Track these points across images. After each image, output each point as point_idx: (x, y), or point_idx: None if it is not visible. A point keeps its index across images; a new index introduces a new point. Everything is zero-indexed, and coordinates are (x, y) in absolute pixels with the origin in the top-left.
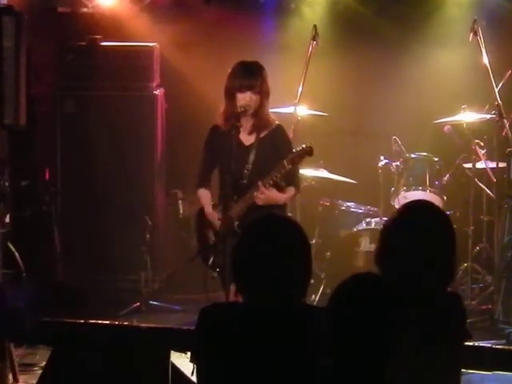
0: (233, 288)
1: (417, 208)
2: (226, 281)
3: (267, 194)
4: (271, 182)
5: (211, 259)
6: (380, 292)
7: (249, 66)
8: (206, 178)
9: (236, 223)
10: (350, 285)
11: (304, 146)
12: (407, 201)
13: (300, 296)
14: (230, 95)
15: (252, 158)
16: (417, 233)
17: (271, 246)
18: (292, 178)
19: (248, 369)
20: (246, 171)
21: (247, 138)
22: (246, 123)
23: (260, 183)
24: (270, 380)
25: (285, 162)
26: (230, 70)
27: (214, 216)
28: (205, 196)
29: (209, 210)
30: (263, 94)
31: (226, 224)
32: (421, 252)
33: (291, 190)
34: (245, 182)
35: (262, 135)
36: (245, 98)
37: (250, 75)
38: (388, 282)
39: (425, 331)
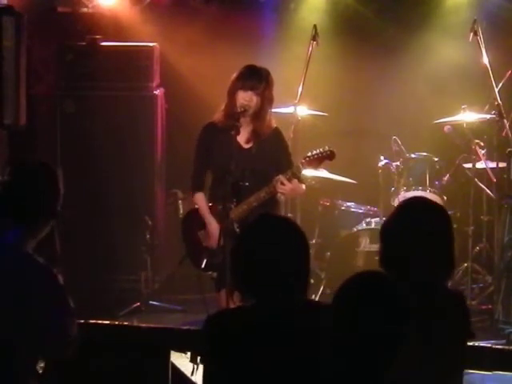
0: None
1: (412, 204)
2: (226, 282)
3: (291, 186)
4: (288, 178)
5: (204, 261)
6: (382, 291)
7: (256, 70)
8: (201, 181)
9: (236, 225)
10: (352, 284)
11: (322, 149)
12: None
13: (301, 294)
14: (232, 94)
15: (251, 160)
16: (414, 229)
17: (269, 246)
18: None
19: (255, 371)
20: (245, 173)
21: (246, 141)
22: (246, 125)
23: (281, 176)
24: (276, 380)
25: (300, 164)
26: (236, 72)
27: (216, 229)
28: (204, 205)
29: (212, 222)
30: (265, 98)
31: (226, 225)
32: (419, 247)
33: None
34: (246, 184)
35: (261, 138)
36: (245, 98)
37: (255, 77)
38: (391, 282)
39: (427, 331)
